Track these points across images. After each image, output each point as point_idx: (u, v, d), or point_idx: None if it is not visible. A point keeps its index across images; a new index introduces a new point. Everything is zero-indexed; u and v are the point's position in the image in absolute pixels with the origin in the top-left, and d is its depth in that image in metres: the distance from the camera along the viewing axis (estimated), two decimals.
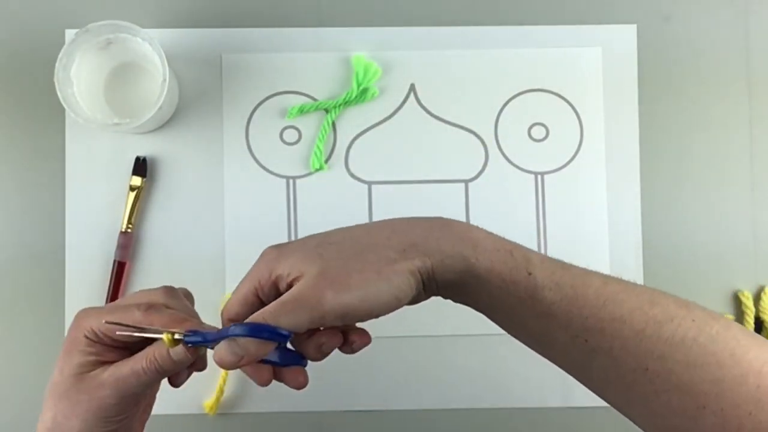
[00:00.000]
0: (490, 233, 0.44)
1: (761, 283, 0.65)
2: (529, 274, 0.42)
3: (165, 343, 0.42)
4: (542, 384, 0.65)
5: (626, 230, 0.65)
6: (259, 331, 0.40)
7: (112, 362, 0.44)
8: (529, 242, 0.65)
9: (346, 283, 0.40)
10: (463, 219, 0.65)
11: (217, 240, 0.65)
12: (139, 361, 0.43)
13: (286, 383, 0.45)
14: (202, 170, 0.65)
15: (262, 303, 0.43)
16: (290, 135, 0.66)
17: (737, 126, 0.66)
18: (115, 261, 0.63)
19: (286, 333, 0.40)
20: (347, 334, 0.44)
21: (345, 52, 0.66)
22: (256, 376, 0.45)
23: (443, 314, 0.65)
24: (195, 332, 0.43)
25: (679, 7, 0.67)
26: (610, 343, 0.41)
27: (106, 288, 0.63)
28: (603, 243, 0.65)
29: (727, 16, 0.67)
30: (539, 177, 0.66)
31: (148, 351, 0.43)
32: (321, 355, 0.44)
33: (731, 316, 0.64)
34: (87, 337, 0.44)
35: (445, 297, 0.45)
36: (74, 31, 0.61)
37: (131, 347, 0.44)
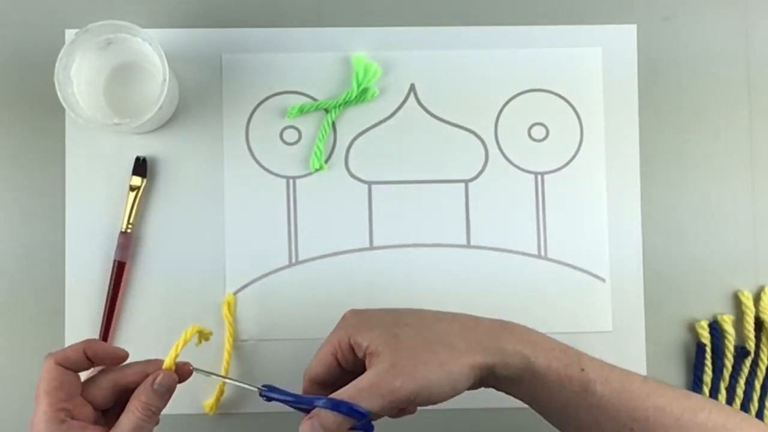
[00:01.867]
0: (544, 335, 0.51)
1: (761, 283, 0.65)
2: (582, 370, 0.49)
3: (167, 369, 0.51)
4: None
5: (626, 230, 0.65)
6: (342, 407, 0.46)
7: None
8: (529, 242, 0.65)
9: (412, 375, 0.47)
10: (463, 219, 0.65)
11: (217, 240, 0.65)
12: (134, 414, 0.49)
13: None
14: (202, 170, 0.65)
15: (338, 364, 0.51)
16: (290, 135, 0.66)
17: (737, 126, 0.66)
18: (115, 261, 0.63)
19: (365, 412, 0.46)
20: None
21: (345, 52, 0.66)
22: None
23: None
24: (273, 389, 0.51)
25: (679, 7, 0.67)
26: (654, 429, 0.48)
27: (106, 288, 0.63)
28: (603, 243, 0.65)
29: (727, 16, 0.67)
30: (539, 177, 0.66)
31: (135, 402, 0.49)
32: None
33: (731, 317, 0.64)
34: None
35: (500, 390, 0.51)
36: (74, 31, 0.61)
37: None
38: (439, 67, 0.66)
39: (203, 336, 0.56)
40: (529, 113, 0.66)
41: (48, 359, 0.49)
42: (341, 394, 0.47)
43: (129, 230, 0.64)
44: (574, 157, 0.66)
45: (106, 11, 0.65)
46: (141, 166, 0.64)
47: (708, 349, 0.64)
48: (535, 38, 0.66)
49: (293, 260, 0.65)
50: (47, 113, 0.64)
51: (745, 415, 0.50)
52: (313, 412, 0.48)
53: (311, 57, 0.66)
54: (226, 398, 0.64)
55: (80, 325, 0.64)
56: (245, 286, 0.65)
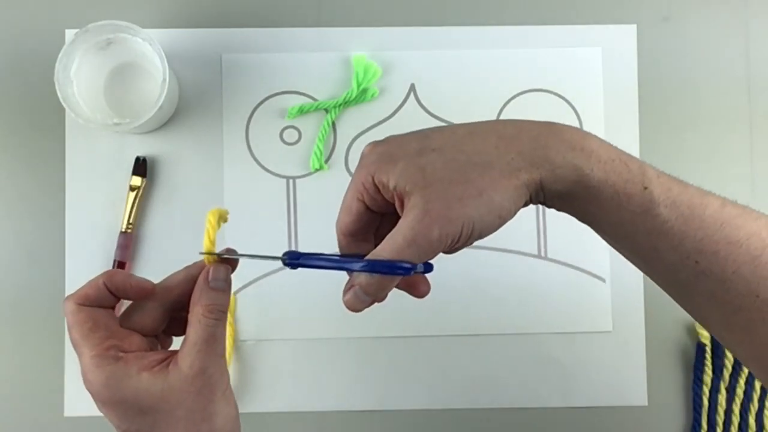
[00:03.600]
0: (604, 141, 0.41)
1: None
2: (645, 188, 0.40)
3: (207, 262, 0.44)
4: (542, 384, 0.65)
5: None
6: (381, 267, 0.40)
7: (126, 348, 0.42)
8: (529, 242, 0.65)
9: (448, 218, 0.39)
10: None
11: (216, 240, 0.64)
12: (196, 327, 0.42)
13: (414, 292, 0.46)
14: (202, 170, 0.65)
15: (368, 208, 0.43)
16: (290, 135, 0.66)
17: (737, 125, 0.66)
18: (115, 261, 0.63)
19: (409, 266, 0.40)
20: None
21: (345, 52, 0.66)
22: (415, 292, 0.45)
23: (443, 314, 0.65)
24: (298, 255, 0.44)
25: (679, 7, 0.67)
26: (723, 267, 0.40)
27: None
28: (603, 243, 0.65)
29: (727, 16, 0.67)
30: None
31: (194, 317, 0.43)
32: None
33: None
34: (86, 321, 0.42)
35: (550, 207, 0.43)
36: (74, 31, 0.61)
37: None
38: (439, 67, 0.66)
39: (222, 218, 0.48)
40: (529, 113, 0.66)
41: (68, 302, 0.43)
42: (378, 253, 0.41)
43: (129, 230, 0.64)
44: None
45: (106, 11, 0.65)
46: (141, 166, 0.64)
47: (708, 349, 0.64)
48: (535, 38, 0.66)
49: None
50: (47, 113, 0.64)
51: None
52: (351, 280, 0.42)
53: (311, 57, 0.66)
54: None
55: None
56: (245, 286, 0.65)
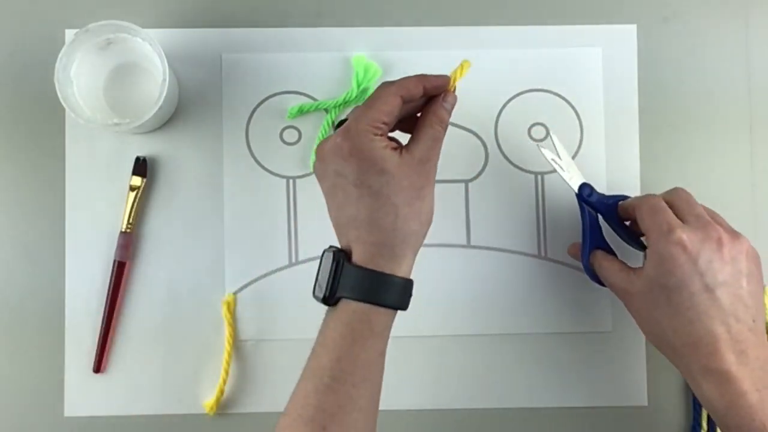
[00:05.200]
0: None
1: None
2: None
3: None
4: (542, 384, 0.65)
5: None
6: None
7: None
8: (529, 242, 0.65)
9: None
10: (462, 219, 0.65)
11: (217, 240, 0.65)
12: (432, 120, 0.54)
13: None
14: (202, 170, 0.65)
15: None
16: (290, 135, 0.66)
17: (737, 126, 0.66)
18: (115, 261, 0.63)
19: None
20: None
21: (345, 52, 0.66)
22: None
23: (443, 314, 0.65)
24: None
25: (679, 7, 0.67)
26: None
27: (106, 288, 0.63)
28: None
29: (727, 16, 0.67)
30: (539, 177, 0.66)
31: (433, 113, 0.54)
32: None
33: None
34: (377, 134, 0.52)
35: None
36: (74, 31, 0.61)
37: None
38: (439, 67, 0.66)
39: (467, 68, 0.57)
40: (529, 113, 0.66)
41: (389, 89, 0.52)
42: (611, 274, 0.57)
43: (129, 230, 0.64)
44: (574, 157, 0.66)
45: (106, 11, 0.65)
46: (141, 166, 0.64)
47: None
48: (535, 38, 0.66)
49: (293, 260, 0.65)
50: (47, 113, 0.64)
51: None
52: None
53: (311, 57, 0.66)
54: (226, 398, 0.64)
55: (80, 325, 0.64)
56: (245, 286, 0.65)
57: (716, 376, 0.50)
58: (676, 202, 0.55)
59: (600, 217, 0.60)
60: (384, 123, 0.52)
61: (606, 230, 0.61)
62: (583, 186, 0.60)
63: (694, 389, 0.52)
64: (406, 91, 0.53)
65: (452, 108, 0.55)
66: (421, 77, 0.54)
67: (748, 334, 0.51)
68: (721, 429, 0.51)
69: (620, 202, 0.59)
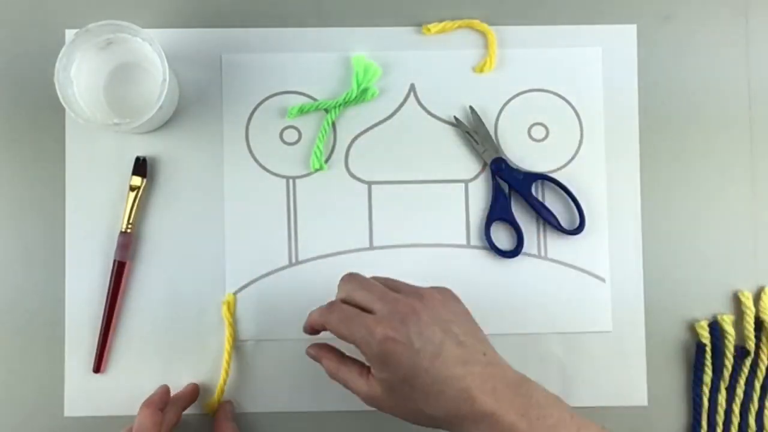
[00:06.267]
0: (528, 424, 0.50)
1: (761, 283, 0.65)
2: None
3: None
4: (542, 384, 0.64)
5: (626, 230, 0.65)
6: None
7: None
8: (529, 242, 0.65)
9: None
10: (462, 219, 0.65)
11: (217, 240, 0.65)
12: None
13: None
14: (202, 170, 0.65)
15: None
16: (290, 135, 0.66)
17: (737, 125, 0.66)
18: (115, 261, 0.64)
19: None
20: None
21: (345, 52, 0.66)
22: None
23: None
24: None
25: (679, 7, 0.67)
26: None
27: (106, 288, 0.63)
28: (603, 243, 0.65)
29: (727, 16, 0.67)
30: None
31: None
32: None
33: (731, 317, 0.64)
34: None
35: None
36: (74, 31, 0.61)
37: None
38: (439, 67, 0.66)
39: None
40: (529, 113, 0.66)
41: (151, 408, 0.58)
42: (348, 378, 0.55)
43: (129, 230, 0.64)
44: (574, 157, 0.66)
45: (106, 11, 0.65)
46: (141, 166, 0.64)
47: (708, 349, 0.64)
48: (535, 38, 0.66)
49: (293, 260, 0.65)
50: (47, 113, 0.64)
51: None
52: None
53: (311, 57, 0.66)
54: (226, 398, 0.64)
55: (80, 325, 0.64)
56: (245, 286, 0.65)
57: (486, 421, 0.49)
58: (355, 295, 0.53)
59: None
60: None
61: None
62: (495, 160, 0.64)
63: None
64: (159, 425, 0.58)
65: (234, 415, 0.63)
66: (149, 404, 0.59)
67: (488, 370, 0.51)
68: None
69: (308, 321, 0.56)
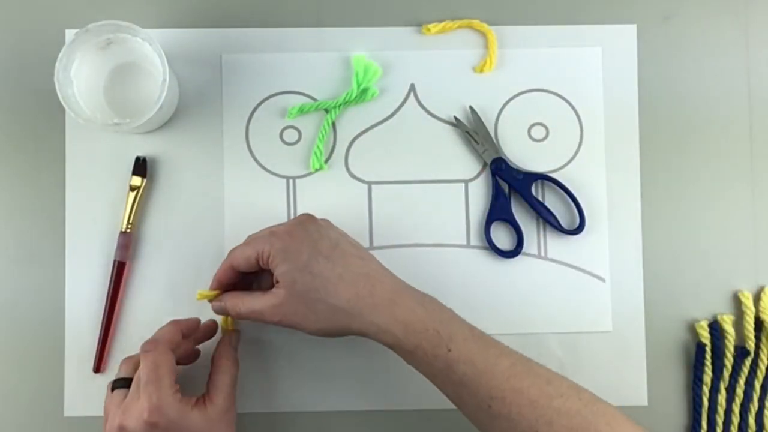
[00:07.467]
0: (433, 310, 0.55)
1: (761, 283, 0.65)
2: (449, 350, 0.53)
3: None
4: None
5: (626, 230, 0.65)
6: None
7: None
8: (529, 242, 0.65)
9: (289, 319, 0.56)
10: (462, 219, 0.65)
11: (217, 240, 0.65)
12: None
13: None
14: (202, 170, 0.65)
15: (241, 272, 0.61)
16: (290, 135, 0.66)
17: (737, 125, 0.66)
18: (115, 261, 0.64)
19: None
20: None
21: (345, 52, 0.66)
22: None
23: None
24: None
25: (679, 7, 0.67)
26: (509, 409, 0.52)
27: (106, 288, 0.63)
28: (603, 243, 0.65)
29: (727, 16, 0.67)
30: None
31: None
32: None
33: (731, 317, 0.65)
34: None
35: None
36: (74, 31, 0.61)
37: None
38: (439, 67, 0.66)
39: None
40: (529, 113, 0.66)
41: (161, 347, 0.56)
42: (252, 303, 0.57)
43: (129, 230, 0.64)
44: (574, 157, 0.66)
45: (106, 11, 0.65)
46: (141, 166, 0.64)
47: (708, 349, 0.64)
48: (535, 38, 0.66)
49: None
50: (47, 113, 0.64)
51: (607, 404, 0.53)
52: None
53: (311, 57, 0.66)
54: None
55: (80, 324, 0.64)
56: None
57: (385, 307, 0.54)
58: (251, 247, 0.58)
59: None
60: (176, 382, 0.56)
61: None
62: (495, 160, 0.64)
63: (374, 336, 0.55)
64: (174, 344, 0.58)
65: (238, 344, 0.62)
66: (176, 323, 0.59)
67: (384, 269, 0.57)
68: (404, 357, 0.55)
69: (213, 280, 0.60)
